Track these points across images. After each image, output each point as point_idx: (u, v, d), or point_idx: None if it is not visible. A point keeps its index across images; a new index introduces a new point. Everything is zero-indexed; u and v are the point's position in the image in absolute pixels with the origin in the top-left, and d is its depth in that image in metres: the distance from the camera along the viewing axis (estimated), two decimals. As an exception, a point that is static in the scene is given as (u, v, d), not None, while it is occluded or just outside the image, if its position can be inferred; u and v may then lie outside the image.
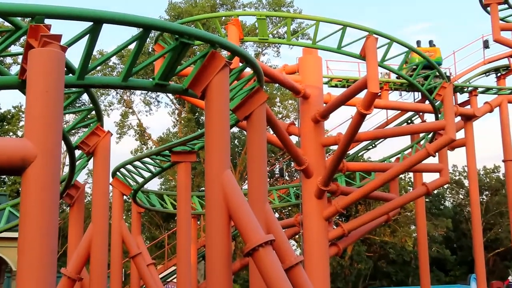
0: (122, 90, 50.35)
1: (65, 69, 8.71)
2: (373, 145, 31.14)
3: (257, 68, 12.76)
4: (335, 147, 32.82)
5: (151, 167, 20.82)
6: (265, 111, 13.77)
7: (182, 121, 49.58)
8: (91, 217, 15.18)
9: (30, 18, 8.77)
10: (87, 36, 9.40)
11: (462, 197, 66.28)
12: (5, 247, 26.45)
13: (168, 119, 72.41)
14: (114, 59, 49.02)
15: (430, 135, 24.66)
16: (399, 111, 29.68)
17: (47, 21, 8.77)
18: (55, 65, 8.05)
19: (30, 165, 7.56)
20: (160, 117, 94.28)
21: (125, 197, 22.23)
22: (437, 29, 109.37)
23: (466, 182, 63.83)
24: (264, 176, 13.14)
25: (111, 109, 50.81)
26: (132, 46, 10.33)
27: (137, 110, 51.26)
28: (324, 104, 23.07)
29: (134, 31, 43.54)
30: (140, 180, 21.38)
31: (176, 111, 51.34)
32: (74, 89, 12.06)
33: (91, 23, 9.26)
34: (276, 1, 50.79)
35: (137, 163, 20.58)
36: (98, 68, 44.53)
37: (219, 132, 10.85)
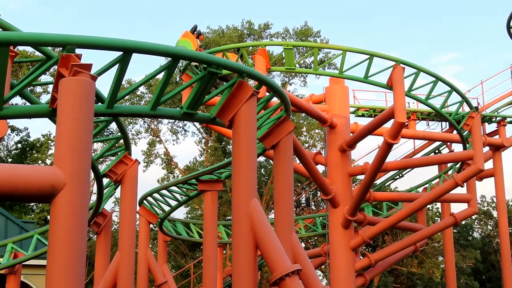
0: (149, 119, 50.73)
1: (95, 98, 8.84)
2: (400, 175, 30.89)
3: (284, 97, 12.79)
4: (361, 177, 32.86)
5: (178, 196, 20.86)
6: (292, 141, 13.78)
7: (209, 150, 49.68)
8: (117, 245, 15.21)
9: (61, 48, 8.90)
10: (117, 65, 9.52)
11: (490, 228, 65.32)
12: (32, 275, 26.51)
13: (195, 148, 72.68)
14: (142, 89, 49.45)
15: (458, 165, 24.46)
16: (426, 141, 29.52)
17: (78, 51, 8.89)
18: (85, 94, 8.15)
19: (60, 193, 7.62)
20: (187, 146, 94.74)
21: (151, 225, 22.26)
22: (465, 59, 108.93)
23: (494, 213, 62.98)
24: (290, 205, 13.10)
25: (138, 138, 51.12)
26: (160, 75, 10.43)
27: (164, 139, 51.54)
28: (351, 134, 23.03)
29: (162, 60, 43.96)
30: (166, 208, 21.43)
31: (203, 140, 51.52)
32: (102, 117, 12.19)
33: (121, 52, 9.38)
34: (304, 31, 50.97)
35: (164, 191, 20.65)
36: (126, 97, 45.00)
37: (246, 161, 10.86)
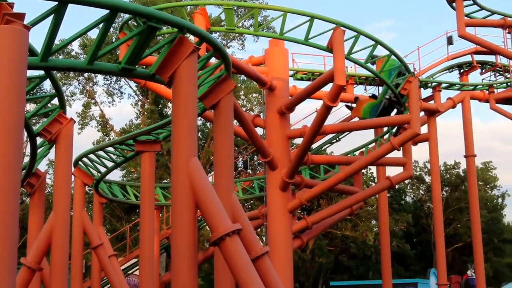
0: (84, 81, 49.56)
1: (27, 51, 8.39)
2: (337, 138, 31.08)
3: (225, 56, 12.52)
4: (299, 141, 32.91)
5: (114, 157, 20.42)
6: (233, 100, 13.55)
7: (146, 113, 48.87)
8: (51, 208, 14.78)
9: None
10: (52, 16, 9.06)
11: (422, 192, 66.82)
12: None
13: (131, 110, 71.60)
14: (77, 49, 48.18)
15: (394, 130, 24.67)
16: (363, 105, 29.67)
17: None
18: (18, 43, 7.70)
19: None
20: (123, 108, 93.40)
21: (87, 188, 21.80)
22: (400, 28, 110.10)
23: (426, 178, 64.40)
24: (230, 165, 12.90)
25: (73, 100, 49.81)
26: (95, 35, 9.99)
27: (100, 100, 50.38)
28: (290, 97, 22.93)
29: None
30: (102, 170, 20.97)
31: (139, 103, 50.65)
32: (35, 74, 11.70)
33: (56, 2, 8.92)
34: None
35: (100, 152, 20.18)
36: (61, 57, 43.81)
37: (186, 118, 10.58)
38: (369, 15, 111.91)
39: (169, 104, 49.21)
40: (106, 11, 9.63)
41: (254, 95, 51.12)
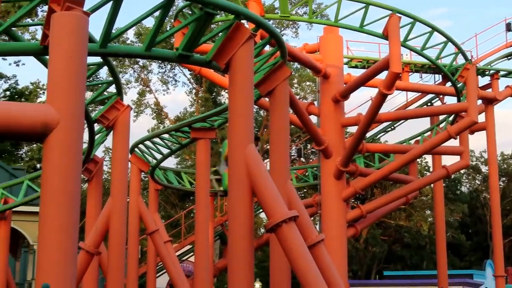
0: (139, 69, 50.07)
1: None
2: (392, 127, 30.73)
3: (281, 42, 12.44)
4: (353, 129, 32.66)
5: (170, 144, 20.56)
6: (288, 88, 13.49)
7: (199, 101, 49.21)
8: (108, 194, 14.99)
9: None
10: (110, 3, 9.15)
11: (478, 182, 65.74)
12: (23, 221, 26.34)
13: (185, 98, 72.04)
14: (132, 38, 48.72)
15: (451, 118, 24.27)
16: (419, 94, 29.29)
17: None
18: (79, 29, 7.78)
19: (53, 131, 7.31)
20: (177, 96, 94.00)
21: (142, 175, 22.01)
22: (455, 15, 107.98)
23: (483, 168, 63.30)
24: (286, 152, 12.88)
25: (128, 88, 50.45)
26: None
27: (155, 89, 50.92)
28: (344, 84, 22.75)
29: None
30: (158, 157, 21.15)
31: (194, 91, 50.97)
32: (94, 61, 11.82)
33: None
34: (295, -19, 50.06)
35: (156, 139, 20.33)
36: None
37: (243, 105, 10.58)
38: (424, 1, 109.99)
39: (223, 92, 49.49)
40: (164, -2, 9.70)
41: (308, 83, 50.96)
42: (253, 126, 10.86)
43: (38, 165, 47.25)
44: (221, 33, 10.92)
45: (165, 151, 20.76)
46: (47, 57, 9.37)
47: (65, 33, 7.69)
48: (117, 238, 14.26)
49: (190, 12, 16.84)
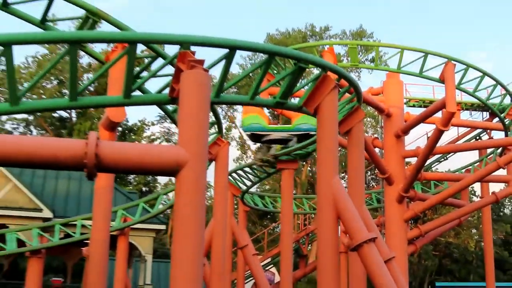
0: (226, 108, 50.86)
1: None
2: (445, 158, 30.21)
3: (358, 90, 12.56)
4: (412, 159, 32.21)
5: (258, 173, 20.83)
6: (363, 127, 13.57)
7: (275, 135, 49.58)
8: (211, 213, 15.29)
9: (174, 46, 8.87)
10: (223, 61, 9.49)
11: (520, 205, 63.74)
12: (136, 236, 26.96)
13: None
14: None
15: (499, 150, 23.76)
16: (468, 129, 28.76)
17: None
18: (204, 84, 8.13)
19: (183, 168, 7.62)
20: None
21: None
22: (494, 58, 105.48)
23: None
24: (362, 182, 12.94)
25: (216, 124, 51.20)
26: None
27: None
28: (404, 122, 22.62)
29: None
30: (247, 183, 21.46)
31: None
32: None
33: (228, 50, 9.35)
34: (359, 33, 50.30)
35: (246, 168, 20.67)
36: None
37: (330, 143, 10.73)
38: (466, 46, 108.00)
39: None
40: (266, 56, 10.01)
41: (369, 119, 50.68)
42: (337, 160, 10.97)
43: (143, 189, 48.41)
44: (310, 83, 11.13)
45: (254, 178, 21.06)
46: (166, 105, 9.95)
47: (192, 88, 8.05)
48: (218, 253, 14.55)
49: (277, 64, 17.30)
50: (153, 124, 52.30)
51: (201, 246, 7.39)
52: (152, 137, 51.95)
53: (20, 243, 20.95)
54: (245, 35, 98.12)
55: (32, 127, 50.79)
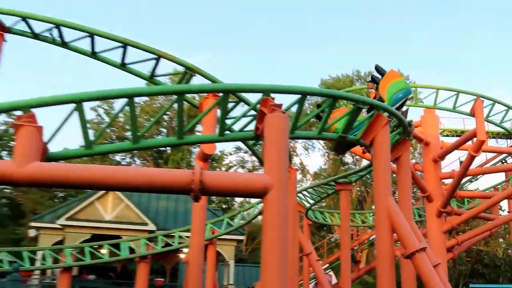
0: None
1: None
2: (476, 178, 29.15)
3: (405, 124, 12.43)
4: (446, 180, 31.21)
5: (319, 193, 20.67)
6: (409, 155, 13.35)
7: (330, 161, 49.19)
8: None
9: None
10: (296, 105, 9.58)
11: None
12: (221, 245, 27.13)
13: (320, 159, 72.23)
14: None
15: (524, 171, 22.77)
16: (495, 154, 27.73)
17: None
18: (285, 125, 8.23)
19: (269, 192, 7.70)
20: (315, 158, 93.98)
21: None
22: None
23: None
24: (410, 200, 12.68)
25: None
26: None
27: (299, 153, 51.60)
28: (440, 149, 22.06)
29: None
30: (311, 201, 21.32)
31: (326, 154, 51.03)
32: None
33: (299, 95, 9.43)
34: (396, 77, 49.55)
35: (309, 190, 20.57)
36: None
37: (384, 169, 10.61)
38: (486, 84, 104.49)
39: (347, 155, 49.06)
40: (329, 99, 10.03)
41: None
42: (390, 183, 10.81)
43: (223, 206, 48.77)
44: (365, 121, 11.06)
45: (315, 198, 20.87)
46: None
47: (275, 128, 8.15)
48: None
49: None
50: (230, 154, 53.02)
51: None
52: (230, 164, 52.57)
53: (131, 250, 21.43)
54: (301, 80, 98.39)
55: (135, 158, 52.26)
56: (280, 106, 8.69)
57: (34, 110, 7.90)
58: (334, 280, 30.55)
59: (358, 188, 49.86)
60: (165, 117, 49.44)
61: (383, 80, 13.33)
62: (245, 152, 52.31)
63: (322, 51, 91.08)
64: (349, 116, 10.54)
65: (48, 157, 8.18)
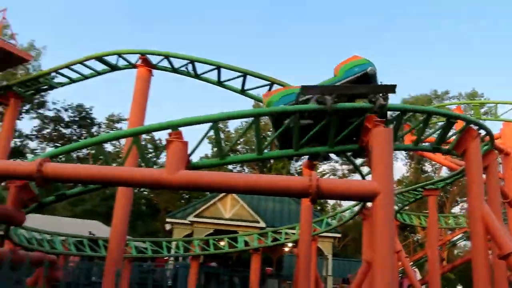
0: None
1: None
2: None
3: (492, 136, 11.40)
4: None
5: (405, 198, 19.53)
6: (497, 165, 12.20)
7: (412, 169, 46.75)
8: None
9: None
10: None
11: None
12: (321, 241, 26.59)
13: (402, 168, 69.19)
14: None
15: None
16: None
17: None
18: (390, 137, 7.86)
19: (378, 196, 7.35)
20: (397, 167, 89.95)
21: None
22: None
23: None
24: (499, 206, 11.53)
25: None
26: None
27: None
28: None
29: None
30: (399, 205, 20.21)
31: (408, 162, 48.61)
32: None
33: (399, 112, 8.94)
34: (472, 94, 46.28)
35: (398, 195, 19.53)
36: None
37: (477, 178, 9.75)
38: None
39: (425, 162, 46.27)
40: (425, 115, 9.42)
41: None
42: (483, 190, 9.90)
43: (318, 207, 47.95)
44: (457, 134, 10.26)
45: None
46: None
47: (381, 140, 7.80)
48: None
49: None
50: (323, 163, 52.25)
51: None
52: (323, 172, 51.71)
53: (246, 243, 21.64)
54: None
55: (245, 167, 53.11)
56: (382, 122, 8.31)
57: (180, 129, 8.23)
58: (418, 276, 28.72)
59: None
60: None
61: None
62: (336, 162, 51.19)
63: (404, 76, 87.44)
64: (443, 130, 9.84)
65: (191, 166, 8.45)
